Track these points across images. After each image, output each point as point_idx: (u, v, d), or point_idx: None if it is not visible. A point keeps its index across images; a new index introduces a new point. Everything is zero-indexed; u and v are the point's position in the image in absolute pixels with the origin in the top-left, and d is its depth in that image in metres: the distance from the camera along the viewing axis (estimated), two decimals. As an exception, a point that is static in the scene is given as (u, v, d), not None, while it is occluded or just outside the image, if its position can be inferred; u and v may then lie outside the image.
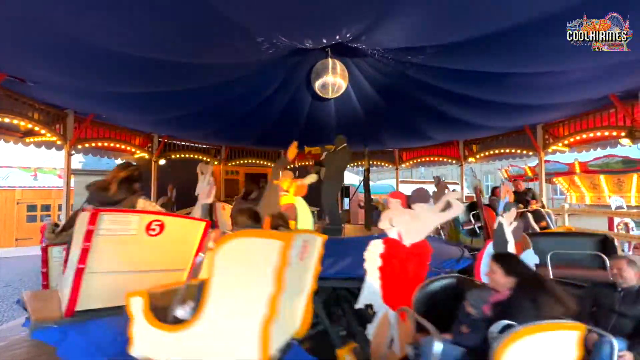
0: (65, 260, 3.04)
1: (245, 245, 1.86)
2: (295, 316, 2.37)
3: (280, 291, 1.75)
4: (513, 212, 3.19)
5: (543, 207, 5.80)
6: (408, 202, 2.78)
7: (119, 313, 2.50)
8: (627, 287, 2.27)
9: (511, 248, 3.03)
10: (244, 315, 1.81)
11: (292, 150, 4.21)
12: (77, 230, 2.64)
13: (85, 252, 2.42)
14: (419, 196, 2.78)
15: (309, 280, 2.41)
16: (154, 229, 2.68)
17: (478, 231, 5.50)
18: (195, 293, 1.97)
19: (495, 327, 1.65)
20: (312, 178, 4.38)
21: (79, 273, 2.43)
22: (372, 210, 7.36)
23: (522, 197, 5.84)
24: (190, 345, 1.86)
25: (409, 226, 2.70)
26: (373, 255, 2.70)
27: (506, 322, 1.65)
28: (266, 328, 1.74)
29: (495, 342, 1.53)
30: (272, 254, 1.77)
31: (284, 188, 4.05)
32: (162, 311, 2.03)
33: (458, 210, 2.65)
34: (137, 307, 2.00)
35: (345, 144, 5.14)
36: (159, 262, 2.76)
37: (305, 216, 4.10)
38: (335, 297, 3.73)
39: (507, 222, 3.12)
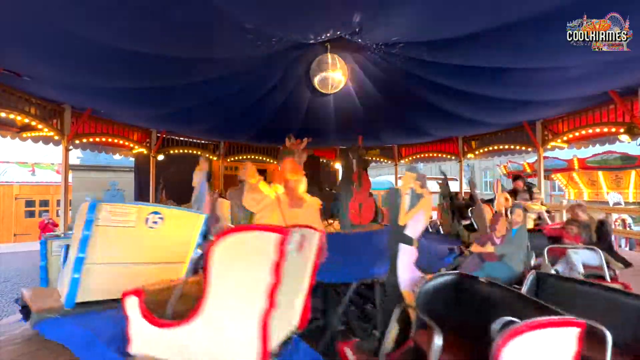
0: (65, 258, 3.07)
1: (243, 239, 1.87)
2: (294, 310, 2.37)
3: (278, 284, 1.76)
4: (519, 213, 3.19)
5: (542, 204, 5.80)
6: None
7: (118, 306, 2.54)
8: None
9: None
10: (243, 309, 1.81)
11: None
12: (77, 222, 2.65)
13: (84, 242, 2.44)
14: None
15: (308, 275, 2.41)
16: (153, 222, 2.70)
17: (475, 226, 5.52)
18: (194, 290, 1.97)
19: (497, 324, 1.65)
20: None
21: (77, 263, 2.46)
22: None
23: (522, 197, 5.78)
24: (190, 341, 1.86)
25: None
26: None
27: (508, 318, 1.65)
28: (266, 321, 1.75)
29: (497, 337, 1.53)
30: (269, 247, 1.78)
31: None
32: (160, 307, 2.03)
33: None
34: (132, 306, 1.99)
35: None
36: (158, 255, 2.78)
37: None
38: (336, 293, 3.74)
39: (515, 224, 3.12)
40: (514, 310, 1.83)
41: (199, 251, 2.18)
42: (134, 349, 1.97)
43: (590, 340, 1.77)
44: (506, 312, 1.74)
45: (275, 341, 1.96)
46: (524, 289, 2.63)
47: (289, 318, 2.28)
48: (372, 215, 4.79)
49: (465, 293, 2.33)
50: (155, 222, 2.70)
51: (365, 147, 6.85)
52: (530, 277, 2.76)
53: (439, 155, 9.18)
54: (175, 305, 2.09)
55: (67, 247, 3.18)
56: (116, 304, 2.53)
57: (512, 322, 1.59)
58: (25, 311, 3.12)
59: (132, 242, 2.67)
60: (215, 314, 1.83)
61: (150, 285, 2.21)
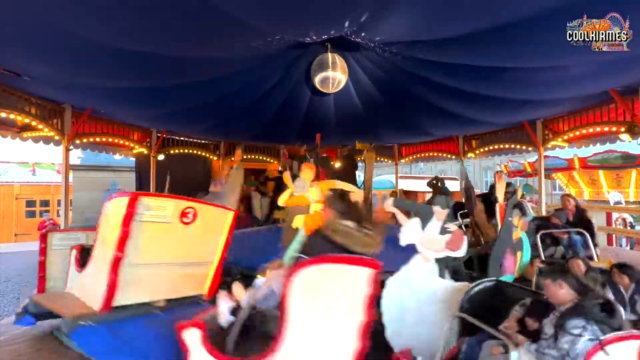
0: (79, 258, 2.90)
1: (331, 272, 1.68)
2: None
3: (371, 321, 1.62)
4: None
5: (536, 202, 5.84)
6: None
7: (153, 309, 2.47)
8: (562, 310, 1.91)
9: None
10: (331, 348, 1.63)
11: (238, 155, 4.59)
12: (105, 216, 2.47)
13: (123, 239, 2.23)
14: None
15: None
16: (187, 217, 2.53)
17: (464, 229, 5.54)
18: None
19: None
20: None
21: (116, 263, 2.24)
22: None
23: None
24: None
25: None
26: None
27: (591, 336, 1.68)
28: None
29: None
30: (362, 282, 1.63)
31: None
32: (216, 339, 1.86)
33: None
34: (194, 340, 1.78)
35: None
36: (191, 254, 2.65)
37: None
38: None
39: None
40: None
41: (262, 278, 2.01)
42: None
43: None
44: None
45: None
46: (534, 280, 2.91)
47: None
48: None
49: (502, 298, 2.41)
50: (189, 218, 2.53)
51: (349, 147, 6.87)
52: (537, 271, 2.93)
53: (440, 154, 9.17)
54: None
55: (83, 248, 3.02)
56: (150, 306, 2.48)
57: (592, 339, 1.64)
58: (34, 317, 3.08)
59: (169, 240, 2.49)
60: (297, 353, 1.63)
61: (205, 315, 2.02)
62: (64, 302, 2.59)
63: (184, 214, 2.51)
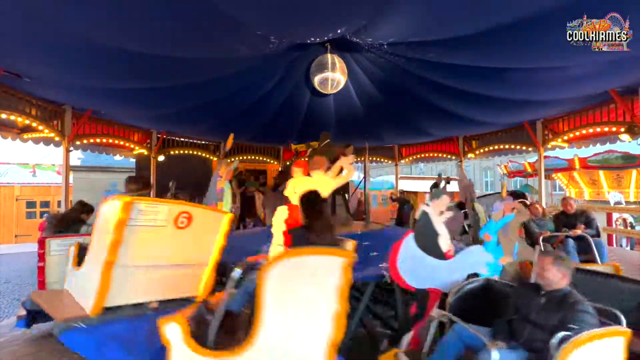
0: (76, 256, 2.94)
1: (304, 264, 1.76)
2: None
3: (345, 310, 1.69)
4: (444, 199, 2.98)
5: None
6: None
7: (146, 311, 2.49)
8: (550, 291, 2.00)
9: (443, 242, 2.88)
10: (309, 338, 1.71)
11: (229, 142, 4.59)
12: (100, 219, 2.52)
13: (115, 244, 2.28)
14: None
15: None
16: (182, 221, 2.57)
17: (467, 229, 5.51)
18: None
19: (556, 339, 1.72)
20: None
21: (108, 267, 2.28)
22: (404, 204, 7.64)
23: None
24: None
25: None
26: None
27: (565, 333, 1.73)
28: (332, 351, 1.67)
29: (556, 352, 1.64)
30: (335, 271, 1.71)
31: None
32: (197, 333, 1.88)
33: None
34: (175, 334, 1.81)
35: (328, 140, 5.08)
36: (186, 256, 2.68)
37: None
38: None
39: (436, 211, 2.92)
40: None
41: (239, 270, 2.09)
42: None
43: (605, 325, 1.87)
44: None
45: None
46: (532, 280, 2.75)
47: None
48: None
49: (493, 295, 2.46)
50: (183, 222, 2.58)
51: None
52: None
53: (440, 155, 9.17)
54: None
55: (81, 246, 3.05)
56: (143, 308, 2.49)
57: (568, 336, 1.69)
58: (31, 316, 3.09)
59: (162, 243, 2.53)
60: (274, 344, 1.68)
61: (186, 310, 2.04)
62: (58, 303, 2.64)
63: (178, 218, 2.56)
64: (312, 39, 3.87)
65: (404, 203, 7.92)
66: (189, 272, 2.74)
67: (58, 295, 2.89)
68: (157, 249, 2.53)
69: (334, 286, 1.67)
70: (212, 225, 2.82)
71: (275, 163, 10.07)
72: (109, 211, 2.45)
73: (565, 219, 4.58)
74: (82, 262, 2.78)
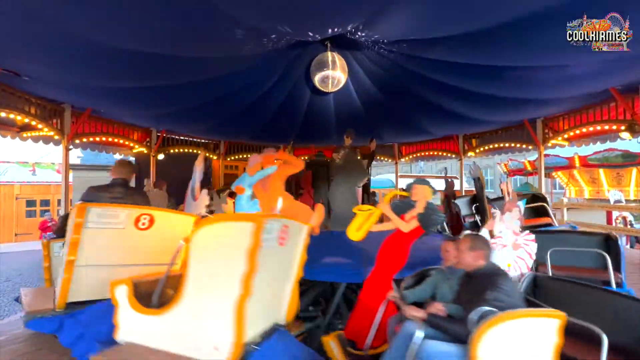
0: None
1: (219, 229, 1.96)
2: (280, 302, 2.44)
3: (253, 272, 1.84)
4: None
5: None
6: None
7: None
8: (470, 272, 2.14)
9: None
10: (218, 296, 1.91)
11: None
12: (69, 224, 2.68)
13: (74, 245, 2.49)
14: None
15: (294, 268, 2.47)
16: (143, 223, 2.72)
17: (480, 224, 5.51)
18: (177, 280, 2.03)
19: (475, 314, 1.69)
20: None
21: (69, 265, 2.49)
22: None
23: None
24: (171, 327, 1.94)
25: None
26: None
27: (486, 308, 1.70)
28: (240, 307, 1.83)
29: (474, 328, 1.58)
30: (244, 236, 1.87)
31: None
32: (146, 298, 2.12)
33: None
34: (121, 294, 2.08)
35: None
36: (149, 256, 2.77)
37: None
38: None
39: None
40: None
41: (182, 242, 2.20)
42: (120, 335, 2.06)
43: (587, 343, 1.79)
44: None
45: (255, 330, 2.03)
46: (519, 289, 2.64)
47: (272, 308, 2.35)
48: None
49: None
50: (144, 224, 2.73)
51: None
52: (527, 277, 2.78)
53: (440, 153, 9.17)
54: (162, 295, 2.16)
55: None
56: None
57: (491, 312, 1.65)
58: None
59: (122, 244, 2.69)
60: (193, 302, 1.90)
61: (139, 276, 2.27)
62: (36, 297, 2.84)
63: (138, 221, 2.69)
64: (312, 33, 3.84)
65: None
66: (155, 270, 2.79)
67: (42, 291, 3.07)
68: (115, 249, 2.68)
69: (243, 248, 1.82)
70: (176, 227, 2.89)
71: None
72: (72, 215, 2.61)
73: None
74: None
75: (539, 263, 3.46)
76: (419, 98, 5.83)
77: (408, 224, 2.81)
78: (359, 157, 5.58)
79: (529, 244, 2.98)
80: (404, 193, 3.07)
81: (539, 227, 4.47)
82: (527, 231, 3.06)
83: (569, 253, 3.59)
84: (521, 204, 4.34)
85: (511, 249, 2.95)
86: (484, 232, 3.07)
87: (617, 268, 3.38)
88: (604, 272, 3.34)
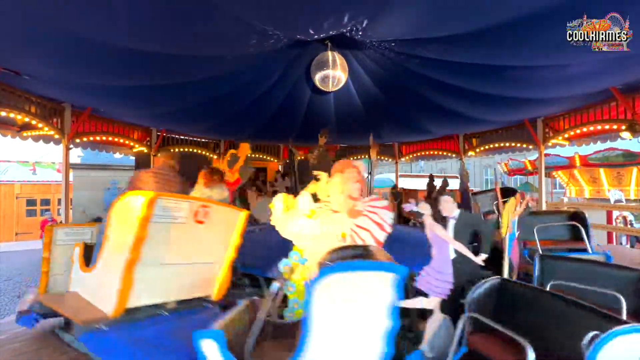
0: (82, 255, 2.86)
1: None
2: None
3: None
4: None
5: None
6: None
7: (166, 310, 2.53)
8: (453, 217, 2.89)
9: None
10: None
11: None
12: (113, 217, 2.44)
13: (139, 241, 2.23)
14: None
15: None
16: (201, 216, 2.55)
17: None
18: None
19: (586, 340, 1.74)
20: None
21: (130, 265, 2.22)
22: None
23: None
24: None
25: None
26: None
27: (594, 332, 1.76)
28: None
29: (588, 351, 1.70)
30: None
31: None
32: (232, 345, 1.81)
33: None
34: (212, 352, 1.73)
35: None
36: (203, 253, 2.65)
37: None
38: None
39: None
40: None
41: (277, 285, 2.13)
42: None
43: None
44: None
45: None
46: (535, 274, 3.03)
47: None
48: None
49: (507, 296, 2.48)
50: (203, 217, 2.53)
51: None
52: (536, 260, 2.98)
53: (440, 153, 9.16)
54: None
55: (87, 247, 2.97)
56: (159, 308, 2.50)
57: (597, 335, 1.71)
58: (36, 317, 3.11)
59: (183, 240, 2.49)
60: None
61: (223, 323, 1.93)
62: (73, 305, 2.57)
63: (197, 213, 2.50)
64: (312, 35, 3.84)
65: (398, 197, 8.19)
66: (206, 268, 2.70)
67: (70, 298, 2.77)
68: (178, 246, 2.47)
69: (385, 302, 1.61)
70: (228, 222, 2.78)
71: (275, 161, 10.06)
72: (127, 207, 2.37)
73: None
74: (89, 263, 2.76)
75: (525, 241, 4.30)
76: (420, 97, 5.82)
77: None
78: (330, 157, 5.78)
79: (378, 212, 2.81)
80: None
81: (571, 251, 4.28)
82: (374, 196, 2.99)
83: (547, 229, 4.55)
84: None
85: (345, 216, 2.78)
86: (303, 195, 3.01)
87: (587, 237, 4.35)
88: (579, 242, 4.38)
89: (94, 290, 2.56)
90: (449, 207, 2.98)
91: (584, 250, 4.22)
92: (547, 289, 2.71)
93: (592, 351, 1.63)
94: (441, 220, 2.94)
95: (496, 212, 5.52)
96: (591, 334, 1.71)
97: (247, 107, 6.29)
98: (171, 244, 2.42)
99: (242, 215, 2.72)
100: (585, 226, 4.45)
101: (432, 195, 6.52)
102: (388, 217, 2.84)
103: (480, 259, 2.90)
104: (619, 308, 2.23)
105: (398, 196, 8.30)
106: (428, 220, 2.75)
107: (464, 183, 6.05)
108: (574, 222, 4.55)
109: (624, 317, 2.08)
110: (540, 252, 3.77)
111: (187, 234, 2.28)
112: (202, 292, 2.73)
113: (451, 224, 2.96)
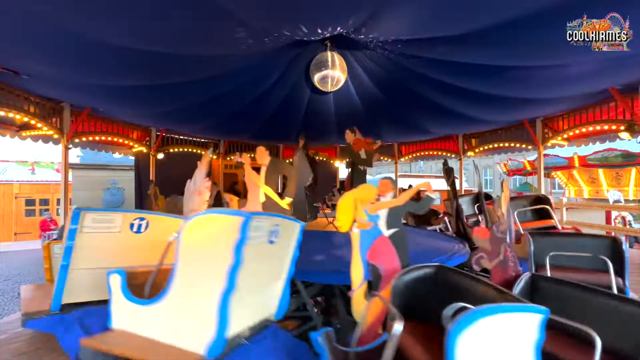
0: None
1: (207, 223, 1.99)
2: (271, 299, 2.41)
3: (239, 265, 1.89)
4: None
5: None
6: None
7: (245, 338, 2.38)
8: None
9: None
10: (204, 289, 1.94)
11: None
12: (65, 228, 2.76)
13: (68, 250, 2.57)
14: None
15: (285, 265, 2.44)
16: (138, 227, 2.82)
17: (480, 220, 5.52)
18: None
19: (449, 310, 1.60)
20: None
21: (63, 269, 2.57)
22: None
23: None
24: (158, 316, 1.99)
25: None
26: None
27: (461, 304, 1.59)
28: (225, 301, 1.88)
29: (450, 325, 1.43)
30: (232, 230, 1.89)
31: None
32: (139, 289, 2.19)
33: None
34: (115, 283, 2.18)
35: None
36: (146, 259, 2.71)
37: None
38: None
39: None
40: (480, 297, 1.88)
41: (175, 234, 2.17)
42: (113, 323, 2.15)
43: (580, 345, 1.78)
44: (475, 300, 1.68)
45: (242, 324, 2.03)
46: (515, 290, 2.51)
47: (263, 304, 2.35)
48: None
49: (444, 284, 2.34)
50: (139, 227, 2.82)
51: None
52: (523, 278, 2.70)
53: (439, 153, 9.17)
54: (154, 287, 2.19)
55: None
56: (240, 337, 2.38)
57: (465, 307, 1.52)
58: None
59: (118, 247, 2.75)
60: (180, 293, 1.95)
61: (133, 268, 2.33)
62: (34, 296, 2.96)
63: (133, 224, 2.80)
64: (311, 35, 3.85)
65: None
66: (271, 289, 2.69)
67: (41, 289, 3.18)
68: (109, 252, 2.74)
69: (231, 241, 1.85)
70: (169, 230, 2.82)
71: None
72: (68, 219, 2.70)
73: None
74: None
75: (538, 265, 3.38)
76: (419, 97, 5.83)
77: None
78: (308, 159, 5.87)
79: None
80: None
81: (542, 229, 4.75)
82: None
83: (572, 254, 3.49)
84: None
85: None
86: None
87: (621, 273, 3.23)
88: (605, 274, 3.12)
89: (164, 327, 2.16)
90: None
91: (554, 227, 4.77)
92: (547, 261, 3.05)
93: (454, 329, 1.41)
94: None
95: (477, 213, 5.63)
96: (459, 304, 1.56)
97: (247, 107, 6.29)
98: (254, 265, 2.22)
99: (299, 226, 2.57)
100: (551, 206, 5.11)
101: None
102: None
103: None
104: (607, 269, 2.73)
105: None
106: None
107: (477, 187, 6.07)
108: (543, 205, 5.10)
109: (612, 276, 2.68)
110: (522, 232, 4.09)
111: (265, 252, 2.17)
112: (267, 313, 2.48)
113: None
